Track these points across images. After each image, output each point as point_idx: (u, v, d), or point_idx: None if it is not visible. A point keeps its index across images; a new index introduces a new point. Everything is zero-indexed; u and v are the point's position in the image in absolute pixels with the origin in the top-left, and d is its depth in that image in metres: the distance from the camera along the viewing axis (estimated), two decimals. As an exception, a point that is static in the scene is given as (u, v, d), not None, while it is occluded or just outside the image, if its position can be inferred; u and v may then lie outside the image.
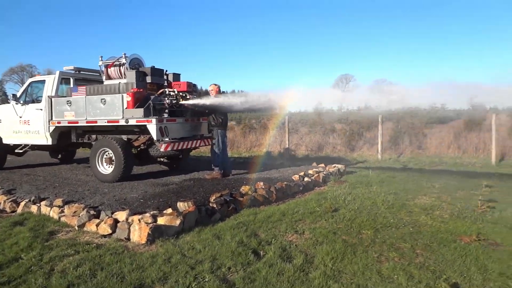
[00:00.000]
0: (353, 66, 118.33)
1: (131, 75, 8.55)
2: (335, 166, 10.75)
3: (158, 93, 8.71)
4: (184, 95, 8.80)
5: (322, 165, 10.99)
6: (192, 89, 9.42)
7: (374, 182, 9.09)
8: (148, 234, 5.01)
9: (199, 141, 9.31)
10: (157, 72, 9.19)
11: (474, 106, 20.02)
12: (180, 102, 8.65)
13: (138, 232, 5.09)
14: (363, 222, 5.81)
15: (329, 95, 8.90)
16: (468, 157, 13.96)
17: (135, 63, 9.16)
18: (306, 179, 8.94)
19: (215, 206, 6.29)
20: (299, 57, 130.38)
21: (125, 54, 8.98)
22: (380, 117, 14.98)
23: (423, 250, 4.75)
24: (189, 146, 8.97)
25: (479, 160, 13.39)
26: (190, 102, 8.68)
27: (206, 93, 9.69)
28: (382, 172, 10.75)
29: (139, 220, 5.29)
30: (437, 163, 13.19)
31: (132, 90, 8.18)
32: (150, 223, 5.20)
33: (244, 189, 7.36)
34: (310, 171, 9.62)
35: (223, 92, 9.22)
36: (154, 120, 7.92)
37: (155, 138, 8.01)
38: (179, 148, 8.54)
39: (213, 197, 6.55)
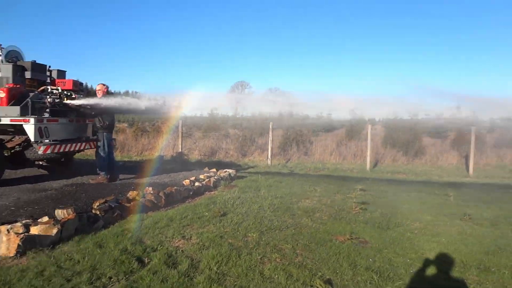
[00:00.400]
0: (249, 74, 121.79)
1: (7, 69, 7.72)
2: (226, 171, 10.94)
3: (39, 90, 7.99)
4: (69, 93, 8.21)
5: (214, 170, 11.10)
6: (79, 88, 8.83)
7: (263, 187, 9.46)
8: (18, 245, 4.53)
9: (84, 143, 8.73)
10: (39, 68, 8.42)
11: (354, 117, 22.04)
12: (64, 102, 8.04)
13: (6, 244, 4.58)
14: (249, 226, 6.01)
15: (225, 100, 8.97)
16: (347, 163, 15.31)
17: (13, 56, 8.29)
18: (196, 183, 8.94)
19: (98, 213, 5.95)
20: (196, 62, 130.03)
21: (0, 45, 8.08)
22: (271, 124, 15.66)
23: (303, 250, 5.08)
24: (72, 149, 8.36)
25: (356, 166, 14.76)
26: (76, 102, 8.12)
27: (95, 93, 9.16)
28: (271, 177, 11.24)
29: (7, 230, 4.75)
30: (320, 168, 14.20)
31: (6, 86, 7.38)
32: (21, 233, 4.71)
33: (132, 194, 7.10)
34: (201, 176, 9.65)
35: (112, 92, 8.78)
36: (32, 120, 7.23)
37: (32, 139, 7.31)
38: (61, 150, 7.91)
39: (97, 204, 6.18)
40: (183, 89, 8.14)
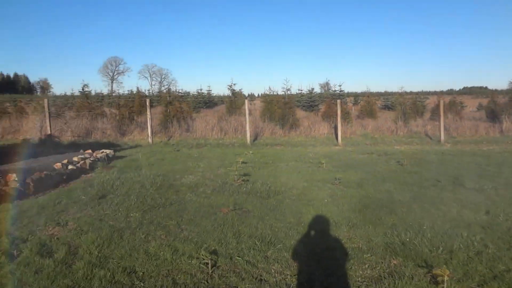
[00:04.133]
0: (122, 50, 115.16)
1: None
2: (103, 152, 10.28)
3: None
4: None
5: (89, 151, 10.34)
6: None
7: (144, 165, 9.14)
8: None
9: None
10: None
11: (234, 92, 22.32)
12: None
13: None
14: (131, 206, 5.78)
15: None
16: (229, 138, 15.58)
17: None
18: (70, 167, 8.24)
19: None
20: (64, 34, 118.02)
21: None
22: (148, 101, 15.09)
23: (188, 224, 5.07)
24: None
25: (238, 140, 15.11)
26: None
27: None
28: (152, 155, 10.90)
29: None
30: (203, 144, 14.21)
31: None
32: None
33: (-9, 183, 6.25)
34: (75, 158, 8.91)
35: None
36: None
37: None
38: None
39: None
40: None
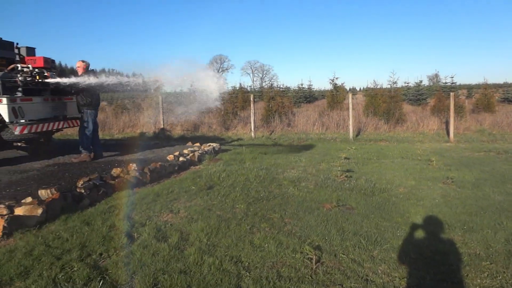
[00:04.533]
0: (228, 47, 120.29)
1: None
2: (210, 145, 10.88)
3: (8, 69, 7.69)
4: (41, 71, 7.92)
5: (198, 144, 11.03)
6: (51, 65, 8.52)
7: (247, 159, 9.46)
8: (4, 227, 4.44)
9: (62, 122, 8.51)
10: (5, 45, 8.08)
11: (336, 86, 21.93)
12: (42, 80, 7.79)
13: (-9, 226, 4.49)
14: (237, 197, 6.03)
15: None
16: (331, 133, 15.39)
17: (-25, 34, 7.91)
18: (181, 158, 8.87)
19: (83, 191, 5.86)
20: (174, 35, 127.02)
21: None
22: (252, 96, 15.55)
23: (291, 218, 5.13)
24: (50, 128, 8.13)
25: (340, 135, 14.87)
26: (54, 80, 7.86)
27: (72, 71, 8.85)
28: (255, 149, 11.23)
29: (-10, 212, 4.66)
30: (304, 139, 14.24)
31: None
32: (6, 215, 4.62)
33: (116, 171, 7.01)
34: (185, 151, 9.57)
35: (93, 70, 8.49)
36: (4, 100, 7.00)
37: (7, 120, 7.10)
38: (38, 130, 7.69)
39: (81, 182, 6.08)
40: (163, 65, 7.82)
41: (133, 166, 7.40)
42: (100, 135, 11.22)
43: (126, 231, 4.60)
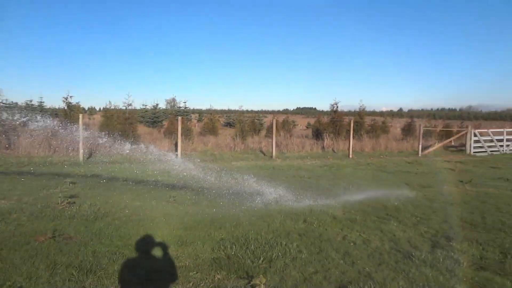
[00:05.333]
0: None
1: None
2: None
3: None
4: None
5: None
6: None
7: None
8: None
9: None
10: None
11: (70, 105, 20.43)
12: None
13: None
14: None
15: None
16: (59, 156, 14.15)
17: None
18: None
19: None
20: None
21: None
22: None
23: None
24: None
25: (69, 158, 13.84)
26: None
27: None
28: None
29: None
30: (25, 163, 12.58)
31: None
32: None
33: None
34: None
35: None
36: None
37: None
38: None
39: None
40: None
41: None
42: None
43: None
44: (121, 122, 17.71)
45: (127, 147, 15.87)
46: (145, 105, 32.95)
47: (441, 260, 4.68)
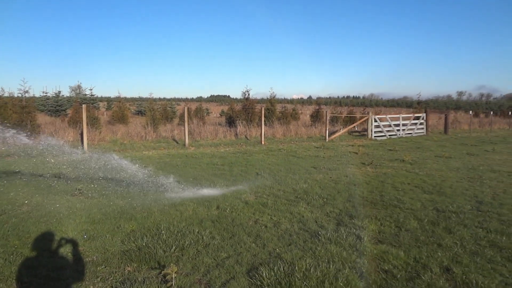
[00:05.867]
0: None
1: None
2: None
3: None
4: None
5: None
6: None
7: None
8: None
9: None
10: None
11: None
12: None
13: None
14: None
15: None
16: None
17: None
18: None
19: None
20: None
21: None
22: None
23: None
24: None
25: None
26: None
27: None
28: None
29: None
30: None
31: None
32: None
33: None
34: None
35: None
36: None
37: None
38: None
39: None
40: None
41: None
42: None
43: None
44: (17, 111, 16.17)
45: (24, 137, 14.62)
46: (46, 93, 30.44)
47: (345, 236, 5.01)
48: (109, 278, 3.83)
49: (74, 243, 4.68)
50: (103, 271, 3.99)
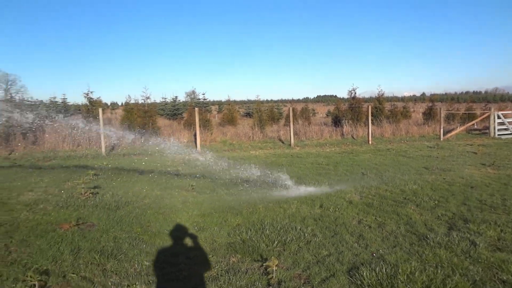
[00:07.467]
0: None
1: None
2: None
3: None
4: None
5: None
6: None
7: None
8: None
9: None
10: None
11: (91, 101, 20.88)
12: None
13: None
14: None
15: None
16: (83, 150, 14.56)
17: None
18: None
19: None
20: None
21: None
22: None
23: (19, 246, 4.58)
24: None
25: (92, 151, 14.22)
26: None
27: None
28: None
29: None
30: (51, 157, 13.01)
31: None
32: None
33: None
34: None
35: None
36: None
37: None
38: None
39: None
40: None
41: None
42: None
43: None
44: (141, 116, 18.03)
45: (147, 139, 16.25)
46: (165, 98, 33.37)
47: (457, 242, 4.66)
48: (215, 266, 4.11)
49: (187, 233, 5.11)
50: (210, 260, 4.29)
